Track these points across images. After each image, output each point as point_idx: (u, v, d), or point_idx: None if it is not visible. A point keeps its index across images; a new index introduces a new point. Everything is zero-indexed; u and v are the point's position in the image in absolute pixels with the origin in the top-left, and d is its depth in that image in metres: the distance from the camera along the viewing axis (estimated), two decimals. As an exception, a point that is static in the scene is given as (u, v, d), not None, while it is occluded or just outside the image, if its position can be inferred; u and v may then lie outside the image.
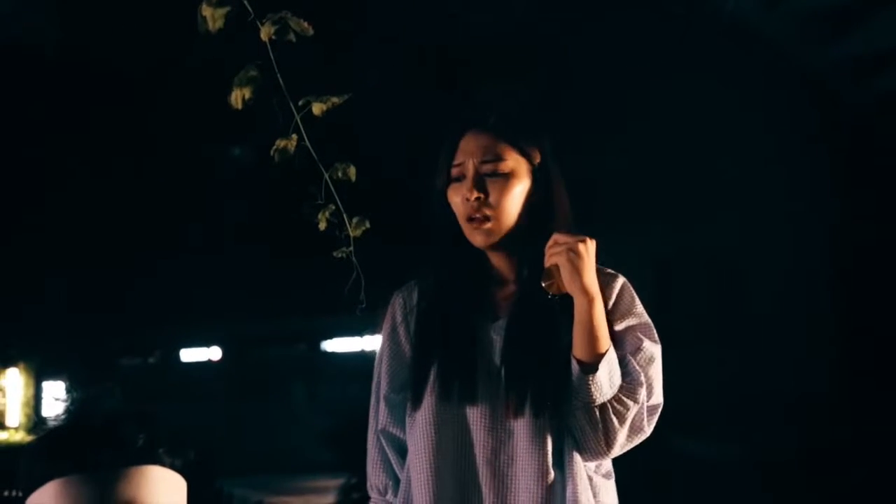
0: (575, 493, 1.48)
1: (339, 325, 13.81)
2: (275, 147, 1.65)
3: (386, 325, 1.65)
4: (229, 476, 7.52)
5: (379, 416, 1.64)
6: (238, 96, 1.62)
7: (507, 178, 1.52)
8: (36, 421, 14.02)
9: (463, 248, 1.56)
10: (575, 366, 1.46)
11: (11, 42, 11.39)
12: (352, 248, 1.73)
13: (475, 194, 1.50)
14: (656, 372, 1.61)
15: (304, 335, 14.36)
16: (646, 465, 7.51)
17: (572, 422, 1.48)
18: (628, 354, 1.55)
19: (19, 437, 13.46)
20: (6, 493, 3.90)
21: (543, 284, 1.45)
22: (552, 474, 1.47)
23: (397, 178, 10.17)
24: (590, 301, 1.46)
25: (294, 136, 1.66)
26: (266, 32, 1.63)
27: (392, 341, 1.62)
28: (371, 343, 14.23)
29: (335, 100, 1.66)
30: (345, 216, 1.72)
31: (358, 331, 14.02)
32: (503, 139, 1.55)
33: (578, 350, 1.46)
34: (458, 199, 1.52)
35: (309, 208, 1.68)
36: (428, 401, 1.51)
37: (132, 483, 1.00)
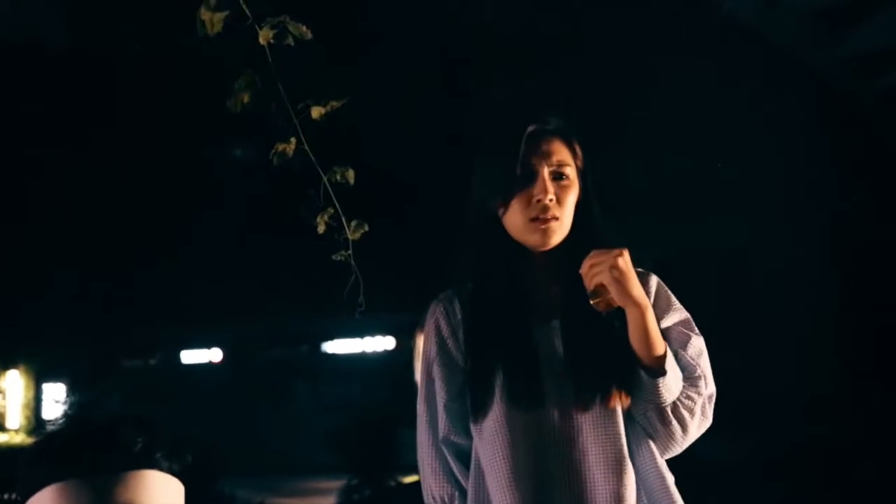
0: (654, 482, 1.54)
1: (340, 326, 13.81)
2: (274, 150, 1.65)
3: (432, 337, 1.64)
4: (231, 477, 7.52)
5: (439, 427, 1.61)
6: (237, 101, 1.62)
7: (570, 180, 1.57)
8: (36, 423, 14.03)
9: (507, 249, 1.58)
10: (641, 372, 1.50)
11: (16, 42, 11.42)
12: (350, 252, 1.73)
13: (550, 195, 1.52)
14: (706, 362, 1.64)
15: (306, 337, 14.36)
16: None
17: (644, 422, 1.54)
18: (679, 350, 1.58)
19: (19, 439, 13.46)
20: (6, 497, 3.90)
21: (592, 303, 1.47)
22: (628, 465, 1.51)
23: (397, 180, 10.19)
24: (643, 310, 1.49)
25: (293, 140, 1.66)
26: (265, 36, 1.63)
27: (442, 352, 1.62)
28: (371, 345, 14.25)
29: (334, 103, 1.66)
30: (343, 219, 1.72)
31: (359, 333, 14.03)
32: (565, 143, 1.60)
33: (640, 356, 1.50)
34: (524, 201, 1.53)
35: (308, 211, 1.68)
36: (498, 407, 1.52)
37: (130, 487, 1.00)
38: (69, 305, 13.02)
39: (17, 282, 12.74)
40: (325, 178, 1.67)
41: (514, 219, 1.54)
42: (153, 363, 15.05)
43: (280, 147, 1.65)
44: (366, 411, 9.31)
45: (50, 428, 1.05)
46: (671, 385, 1.51)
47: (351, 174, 1.70)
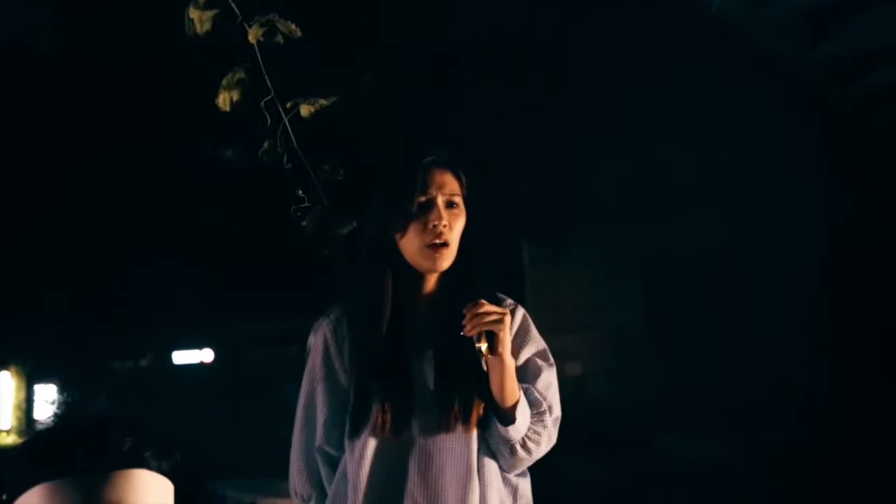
0: (491, 495, 1.74)
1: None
2: (262, 149, 1.64)
3: (317, 353, 1.83)
4: (222, 478, 7.48)
5: (316, 436, 1.81)
6: (226, 98, 1.62)
7: (460, 208, 1.75)
8: (28, 424, 13.98)
9: (397, 277, 1.75)
10: (493, 417, 1.71)
11: (8, 43, 11.36)
12: (340, 250, 1.72)
13: (445, 221, 1.69)
14: (554, 394, 1.84)
15: (297, 336, 14.32)
16: (639, 465, 7.53)
17: (495, 450, 1.75)
18: (530, 385, 1.78)
19: (11, 440, 13.40)
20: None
21: (481, 347, 1.63)
22: (476, 481, 1.70)
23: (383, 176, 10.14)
24: (507, 366, 1.67)
25: (282, 138, 1.65)
26: (254, 34, 1.62)
27: (327, 369, 1.80)
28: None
29: (323, 101, 1.66)
30: (332, 216, 1.72)
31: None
32: (455, 175, 1.77)
33: (497, 399, 1.69)
34: (420, 227, 1.69)
35: (297, 209, 1.67)
36: (369, 429, 1.71)
37: (118, 487, 1.00)
38: (60, 307, 12.96)
39: (7, 283, 12.68)
40: (313, 176, 1.67)
41: (411, 243, 1.70)
42: (144, 364, 15.00)
43: (269, 145, 1.65)
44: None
45: (38, 428, 1.04)
46: (520, 427, 1.71)
47: (340, 172, 1.69)
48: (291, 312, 13.18)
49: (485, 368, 1.67)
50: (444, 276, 1.75)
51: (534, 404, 1.76)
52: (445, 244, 1.70)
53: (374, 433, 1.70)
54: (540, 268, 10.81)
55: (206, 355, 14.95)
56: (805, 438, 7.53)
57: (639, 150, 9.79)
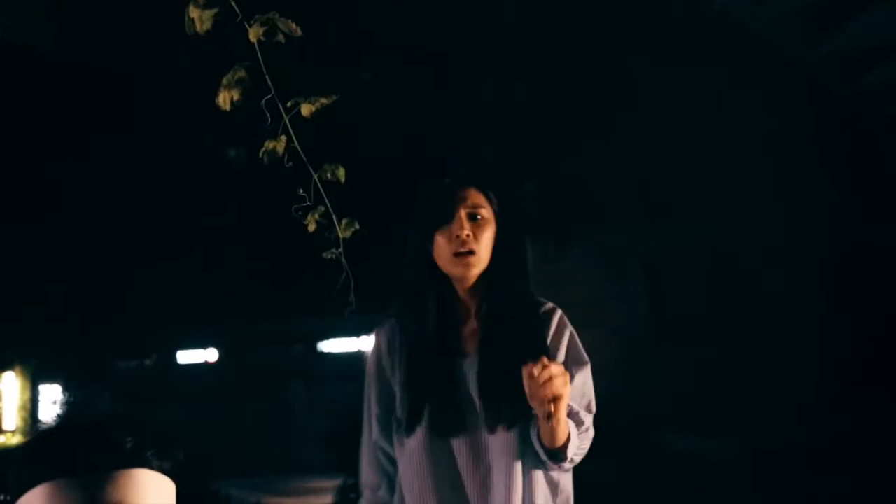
0: (536, 492, 1.83)
1: (336, 326, 13.80)
2: (263, 148, 1.64)
3: (373, 355, 1.97)
4: (226, 477, 7.50)
5: (372, 431, 1.97)
6: (226, 98, 1.61)
7: (486, 221, 1.87)
8: (32, 424, 13.99)
9: (438, 286, 1.87)
10: (543, 455, 1.78)
11: (7, 42, 11.36)
12: (341, 250, 1.72)
13: (466, 230, 1.82)
14: (591, 394, 1.94)
15: (301, 336, 14.35)
16: (642, 464, 7.50)
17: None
18: (581, 409, 1.86)
19: (16, 440, 13.43)
20: (2, 498, 3.89)
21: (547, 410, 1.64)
22: (521, 479, 1.79)
23: (388, 178, 10.15)
24: (564, 416, 1.71)
25: (283, 138, 1.65)
26: (254, 34, 1.62)
27: (379, 370, 1.94)
28: (366, 344, 14.24)
29: (324, 100, 1.65)
30: (334, 217, 1.71)
31: (354, 332, 14.02)
32: (481, 191, 1.91)
33: (547, 443, 1.75)
34: (447, 238, 1.82)
35: (299, 210, 1.67)
36: (420, 431, 1.82)
37: (120, 486, 1.00)
38: (65, 307, 12.99)
39: (12, 284, 12.70)
40: (315, 176, 1.66)
41: (441, 253, 1.84)
42: (149, 363, 15.02)
43: (270, 145, 1.64)
44: (361, 411, 9.26)
45: (40, 427, 1.04)
46: (571, 461, 1.83)
47: (341, 172, 1.69)
48: (295, 312, 13.22)
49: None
50: (484, 282, 1.87)
51: (582, 423, 1.85)
52: (471, 252, 1.82)
53: (421, 431, 1.81)
54: (544, 267, 10.81)
55: (210, 355, 14.97)
56: (808, 437, 7.52)
57: (641, 148, 9.78)
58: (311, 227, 1.68)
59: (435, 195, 1.88)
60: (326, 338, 14.52)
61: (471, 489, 1.79)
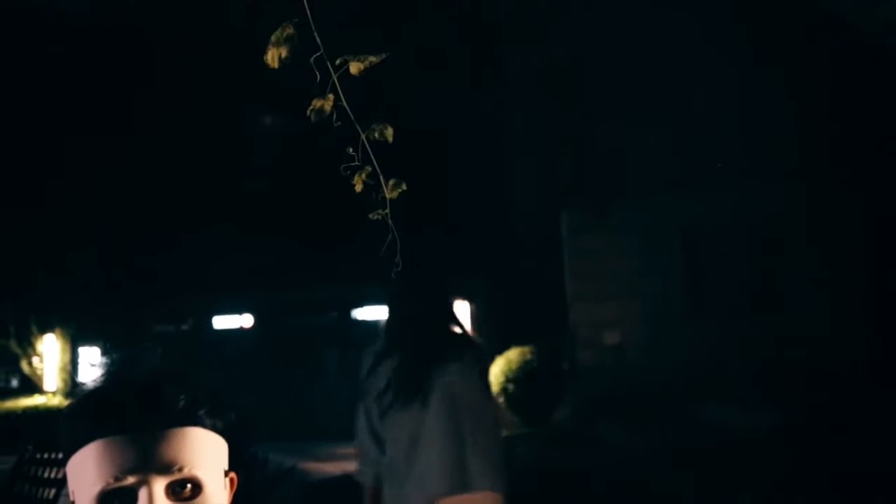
0: None
1: (370, 293, 13.84)
2: (311, 107, 1.60)
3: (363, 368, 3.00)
4: (261, 441, 7.58)
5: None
6: (274, 55, 1.58)
7: None
8: (73, 386, 14.26)
9: None
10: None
11: (39, 9, 11.42)
12: (388, 210, 1.69)
13: None
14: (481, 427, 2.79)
15: (335, 304, 14.42)
16: (677, 434, 7.45)
17: None
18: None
19: (57, 401, 13.70)
20: (46, 456, 3.96)
21: None
22: None
23: (436, 137, 10.07)
24: None
25: (331, 96, 1.61)
26: (302, -10, 1.58)
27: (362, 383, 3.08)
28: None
29: (373, 58, 1.61)
30: (381, 178, 1.68)
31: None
32: None
33: None
34: None
35: (346, 167, 1.63)
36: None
37: (173, 444, 0.98)
38: (105, 270, 13.17)
39: (53, 247, 12.89)
40: (363, 136, 1.63)
41: None
42: (185, 328, 15.21)
43: (318, 104, 1.60)
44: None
45: (92, 384, 1.03)
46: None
47: (389, 132, 1.65)
48: (331, 278, 13.28)
49: None
50: None
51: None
52: None
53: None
54: (579, 238, 10.73)
55: (246, 321, 15.11)
56: (840, 409, 7.43)
57: (679, 118, 9.63)
58: (359, 188, 1.64)
59: None
60: (360, 305, 14.57)
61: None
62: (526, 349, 10.25)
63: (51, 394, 14.24)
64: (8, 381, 15.69)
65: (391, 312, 2.97)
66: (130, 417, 0.98)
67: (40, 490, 3.83)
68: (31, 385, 14.61)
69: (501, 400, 10.22)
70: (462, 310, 12.19)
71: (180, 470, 0.98)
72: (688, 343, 9.78)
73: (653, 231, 10.31)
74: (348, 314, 14.70)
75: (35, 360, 14.59)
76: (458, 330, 2.85)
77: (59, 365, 14.49)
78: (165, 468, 0.97)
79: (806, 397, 7.86)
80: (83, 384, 1.06)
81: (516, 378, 10.07)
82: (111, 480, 0.96)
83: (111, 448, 0.97)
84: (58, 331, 14.44)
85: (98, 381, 1.04)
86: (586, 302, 10.49)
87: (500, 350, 10.55)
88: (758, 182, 9.54)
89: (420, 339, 2.77)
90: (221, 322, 15.30)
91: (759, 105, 9.12)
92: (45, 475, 3.85)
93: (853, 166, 9.06)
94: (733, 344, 9.41)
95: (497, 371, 10.27)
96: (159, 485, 0.97)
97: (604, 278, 10.40)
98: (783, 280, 9.90)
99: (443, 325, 2.80)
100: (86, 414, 1.00)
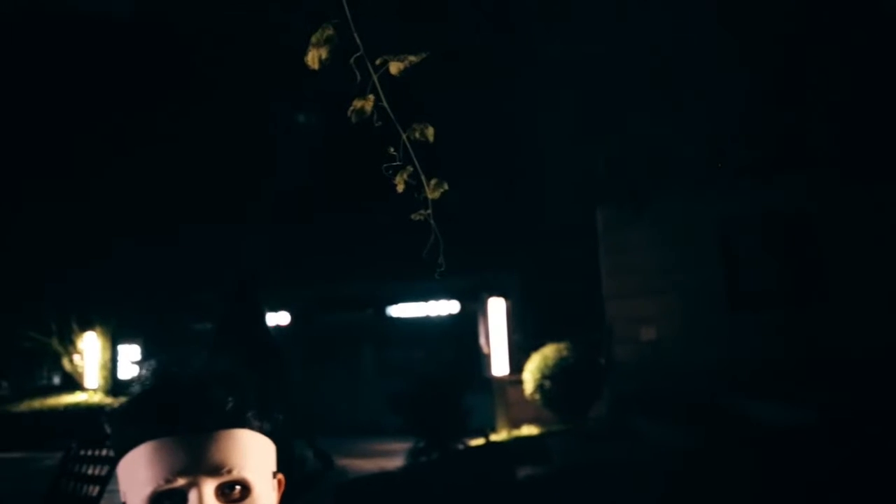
0: None
1: (405, 290, 13.88)
2: (352, 108, 1.61)
3: None
4: (300, 438, 7.64)
5: None
6: (315, 56, 1.58)
7: None
8: (113, 383, 14.47)
9: None
10: None
11: (84, 10, 11.63)
12: (430, 211, 1.69)
13: None
14: None
15: (371, 301, 14.47)
16: (717, 431, 7.36)
17: None
18: None
19: (98, 398, 13.91)
20: (90, 453, 4.01)
21: None
22: None
23: (477, 138, 10.05)
24: None
25: (371, 96, 1.62)
26: (341, -9, 1.58)
27: None
28: (435, 308, 14.30)
29: (412, 58, 1.61)
30: (423, 177, 1.68)
31: (423, 296, 14.08)
32: None
33: None
34: None
35: (388, 167, 1.64)
36: None
37: (222, 446, 0.99)
38: (144, 269, 13.33)
39: (92, 246, 13.09)
40: (404, 136, 1.63)
41: None
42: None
43: (358, 104, 1.61)
44: (430, 375, 9.34)
45: (142, 386, 1.04)
46: None
47: (431, 131, 1.65)
48: (367, 275, 13.33)
49: None
50: None
51: None
52: None
53: None
54: (614, 232, 10.66)
55: (282, 318, 15.22)
56: (881, 406, 7.30)
57: (715, 109, 9.52)
58: (400, 188, 1.65)
59: None
60: (395, 303, 14.61)
61: None
62: (562, 345, 10.22)
63: (92, 391, 14.46)
64: (50, 379, 15.96)
65: None
66: (181, 420, 0.99)
67: (84, 487, 3.88)
68: (73, 382, 14.85)
69: (538, 396, 10.19)
70: (498, 307, 12.17)
71: (230, 472, 0.99)
72: (726, 337, 9.68)
73: (689, 224, 10.21)
74: (384, 311, 14.75)
75: (76, 357, 14.82)
76: None
77: (99, 362, 14.71)
78: (215, 470, 0.98)
79: (850, 393, 7.74)
80: (132, 386, 1.07)
81: (552, 374, 10.04)
82: (162, 482, 0.97)
83: (162, 450, 0.98)
84: (98, 329, 14.66)
85: (147, 383, 1.05)
86: (622, 297, 10.41)
87: (536, 346, 10.52)
88: (796, 172, 9.41)
89: None
90: (258, 319, 15.39)
91: (800, 94, 9.00)
92: (90, 472, 3.90)
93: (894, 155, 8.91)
94: (773, 338, 9.29)
95: (533, 367, 10.25)
96: (209, 486, 0.98)
97: (639, 273, 10.32)
98: (824, 271, 9.75)
99: None
100: (137, 416, 1.02)
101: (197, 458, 0.97)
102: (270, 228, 12.87)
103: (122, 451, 1.02)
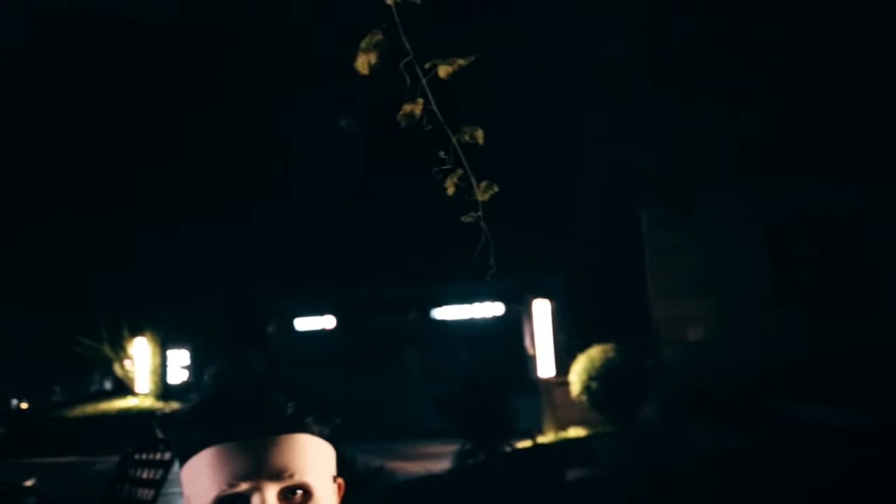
0: None
1: (449, 293, 13.89)
2: (401, 112, 1.61)
3: None
4: (345, 441, 7.69)
5: None
6: (364, 61, 1.59)
7: None
8: (163, 388, 14.69)
9: None
10: None
11: (126, 15, 11.85)
12: (480, 213, 1.69)
13: None
14: None
15: (415, 303, 14.51)
16: (766, 432, 7.24)
17: None
18: None
19: (148, 403, 14.13)
20: (144, 457, 4.08)
21: None
22: None
23: (527, 139, 10.03)
24: None
25: (420, 100, 1.62)
26: (390, -4, 1.59)
27: None
28: (479, 310, 14.30)
29: (461, 61, 1.61)
30: (473, 180, 1.67)
31: (467, 299, 14.09)
32: None
33: None
34: None
35: (439, 170, 1.64)
36: None
37: (284, 451, 1.00)
38: (191, 275, 13.52)
39: (142, 254, 13.30)
40: (454, 139, 1.63)
41: None
42: (269, 330, 15.51)
43: (408, 108, 1.61)
44: (475, 377, 9.33)
45: (205, 392, 1.06)
46: None
47: (480, 134, 1.64)
48: (409, 280, 13.38)
49: None
50: None
51: None
52: None
53: None
54: (659, 233, 10.56)
55: (327, 322, 15.32)
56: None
57: (762, 109, 9.38)
58: (450, 191, 1.65)
59: None
60: (439, 305, 14.64)
61: None
62: (608, 347, 10.14)
63: (143, 396, 14.70)
64: (102, 384, 16.27)
65: None
66: (242, 425, 1.00)
67: (139, 490, 3.94)
68: (124, 387, 15.11)
69: (584, 398, 10.12)
70: (543, 308, 12.13)
71: (291, 476, 1.00)
72: (774, 338, 9.54)
73: (736, 224, 10.08)
74: (428, 314, 14.78)
75: (127, 363, 15.08)
76: None
77: (149, 367, 14.95)
78: (277, 474, 0.99)
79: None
80: (193, 392, 1.08)
81: (599, 376, 9.96)
82: (225, 487, 0.98)
83: (225, 455, 0.99)
84: (148, 334, 14.89)
85: (209, 389, 1.06)
86: (668, 297, 10.31)
87: (582, 348, 10.45)
88: (844, 173, 9.24)
89: None
90: (303, 323, 15.55)
91: (850, 95, 8.84)
92: (144, 476, 3.96)
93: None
94: (821, 339, 9.13)
95: (579, 369, 10.18)
96: (271, 491, 0.99)
97: (685, 273, 10.21)
98: (871, 273, 9.56)
99: None
100: (199, 421, 1.03)
101: (259, 463, 0.98)
102: (317, 234, 12.96)
103: (185, 457, 1.03)
